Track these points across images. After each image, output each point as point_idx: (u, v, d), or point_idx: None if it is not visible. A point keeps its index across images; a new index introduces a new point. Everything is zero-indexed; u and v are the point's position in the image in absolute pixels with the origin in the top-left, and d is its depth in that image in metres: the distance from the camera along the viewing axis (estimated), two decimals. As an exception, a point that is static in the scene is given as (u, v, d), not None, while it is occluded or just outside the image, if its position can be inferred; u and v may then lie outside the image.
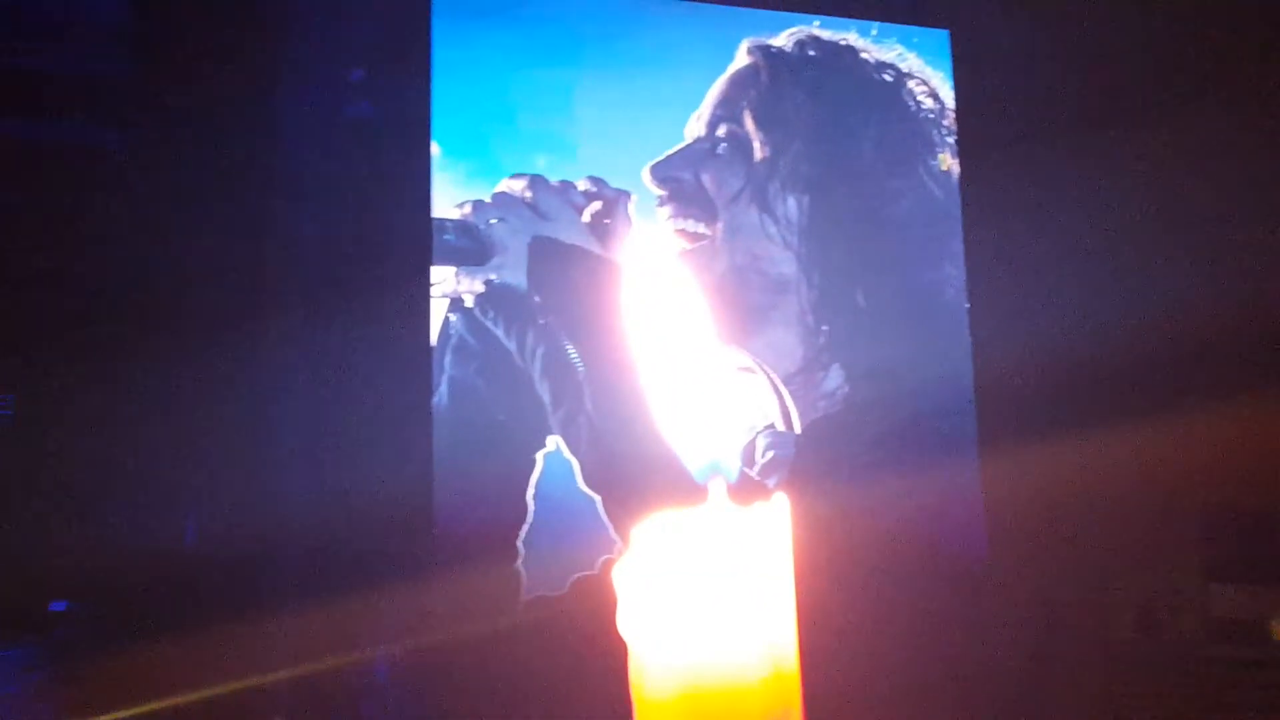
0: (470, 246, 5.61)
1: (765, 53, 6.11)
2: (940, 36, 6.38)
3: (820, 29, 6.22)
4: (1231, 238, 5.95)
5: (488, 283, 5.59)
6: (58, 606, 5.42)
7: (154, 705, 4.84)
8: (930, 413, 6.06)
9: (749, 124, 6.03)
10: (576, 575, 5.46)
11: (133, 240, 5.51)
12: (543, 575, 5.48)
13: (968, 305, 6.23)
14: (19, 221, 5.51)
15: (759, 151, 6.03)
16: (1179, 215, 5.92)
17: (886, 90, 6.29)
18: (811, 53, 6.19)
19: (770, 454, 5.81)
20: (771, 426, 5.86)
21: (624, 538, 5.15)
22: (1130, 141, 5.88)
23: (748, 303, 5.93)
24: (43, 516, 5.26)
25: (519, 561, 5.48)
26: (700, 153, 5.97)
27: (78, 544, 5.23)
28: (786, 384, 5.91)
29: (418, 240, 5.58)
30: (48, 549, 5.28)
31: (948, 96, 6.35)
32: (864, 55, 6.26)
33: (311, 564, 5.20)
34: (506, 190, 5.68)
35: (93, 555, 5.19)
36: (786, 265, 6.01)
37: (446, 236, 5.59)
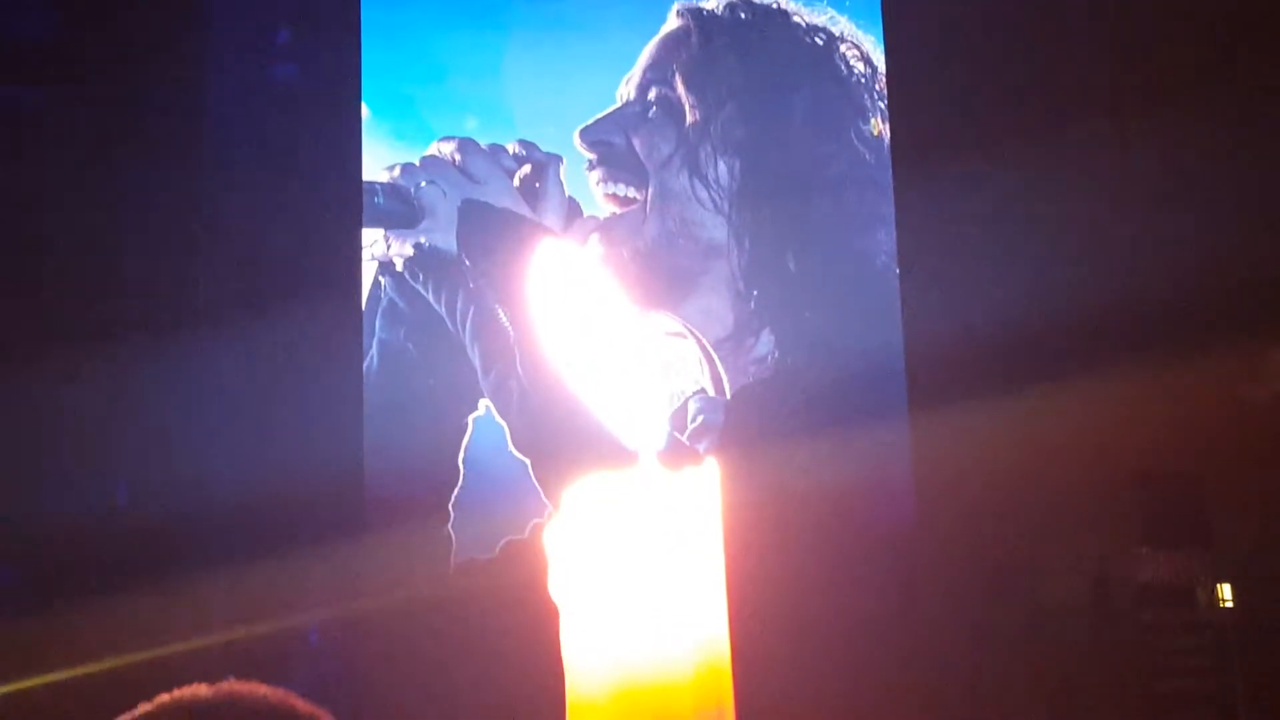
0: (400, 209, 5.59)
1: (696, 15, 6.05)
2: (871, 1, 6.30)
3: (752, -10, 6.19)
4: (1166, 206, 5.98)
5: (417, 246, 5.57)
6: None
7: (82, 669, 4.83)
8: (860, 378, 6.02)
9: (680, 87, 5.98)
10: (507, 539, 5.45)
11: (57, 204, 5.45)
12: (473, 538, 5.48)
13: (898, 271, 6.21)
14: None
15: (690, 115, 5.98)
16: (1111, 186, 5.94)
17: (818, 54, 6.22)
18: (742, 15, 6.12)
19: (700, 419, 5.79)
20: (702, 391, 5.83)
21: (554, 501, 5.13)
22: (1065, 108, 5.91)
23: (678, 267, 5.90)
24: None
25: (450, 524, 5.48)
26: (631, 116, 5.93)
27: (10, 508, 5.19)
28: (717, 349, 5.88)
29: (348, 203, 5.56)
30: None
31: (879, 61, 6.27)
32: (795, 18, 6.18)
33: (242, 528, 5.13)
34: (436, 153, 5.67)
35: (25, 519, 5.14)
36: (717, 230, 5.97)
37: (376, 199, 5.57)
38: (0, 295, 5.33)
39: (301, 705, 1.49)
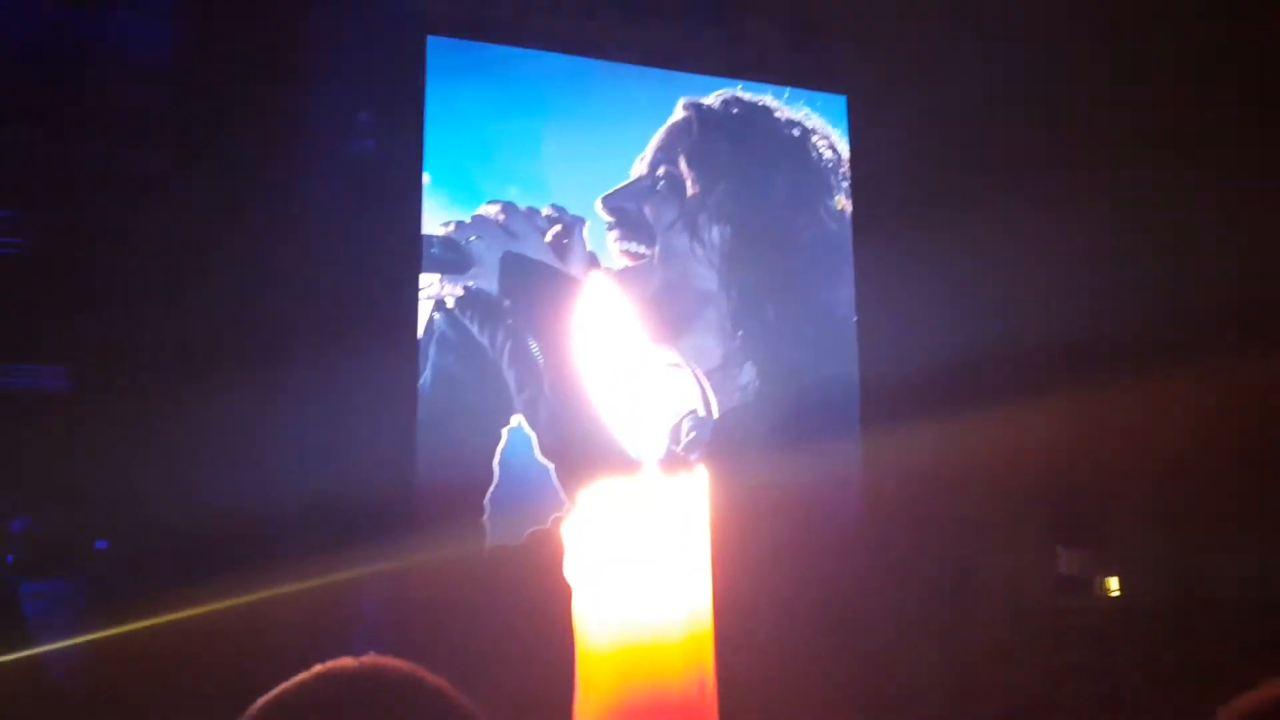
0: (452, 258, 5.60)
1: (697, 109, 6.14)
2: (839, 101, 6.42)
3: (742, 91, 6.24)
4: (1076, 263, 5.89)
5: (466, 289, 5.58)
6: (101, 545, 5.35)
7: (170, 617, 4.81)
8: (824, 404, 6.10)
9: (683, 166, 6.04)
10: (532, 529, 5.44)
11: (168, 247, 5.40)
12: (504, 528, 5.47)
13: (855, 318, 6.27)
14: (73, 226, 5.39)
15: (690, 189, 6.03)
16: (1029, 247, 5.85)
17: (794, 143, 6.30)
18: (734, 110, 6.20)
19: (692, 434, 5.83)
20: (694, 412, 5.87)
21: (572, 499, 5.10)
22: (988, 188, 5.89)
23: (678, 311, 5.92)
24: (90, 473, 5.16)
25: (485, 517, 5.48)
26: (643, 188, 5.97)
27: (119, 497, 5.16)
28: (708, 378, 5.93)
29: (409, 252, 5.57)
30: (95, 499, 5.19)
31: (844, 149, 6.36)
32: (777, 114, 6.28)
33: (312, 517, 5.12)
34: (483, 213, 5.68)
35: (130, 505, 5.12)
36: (710, 282, 6.02)
37: (433, 250, 5.59)
38: (114, 314, 5.28)
39: (429, 675, 1.44)
